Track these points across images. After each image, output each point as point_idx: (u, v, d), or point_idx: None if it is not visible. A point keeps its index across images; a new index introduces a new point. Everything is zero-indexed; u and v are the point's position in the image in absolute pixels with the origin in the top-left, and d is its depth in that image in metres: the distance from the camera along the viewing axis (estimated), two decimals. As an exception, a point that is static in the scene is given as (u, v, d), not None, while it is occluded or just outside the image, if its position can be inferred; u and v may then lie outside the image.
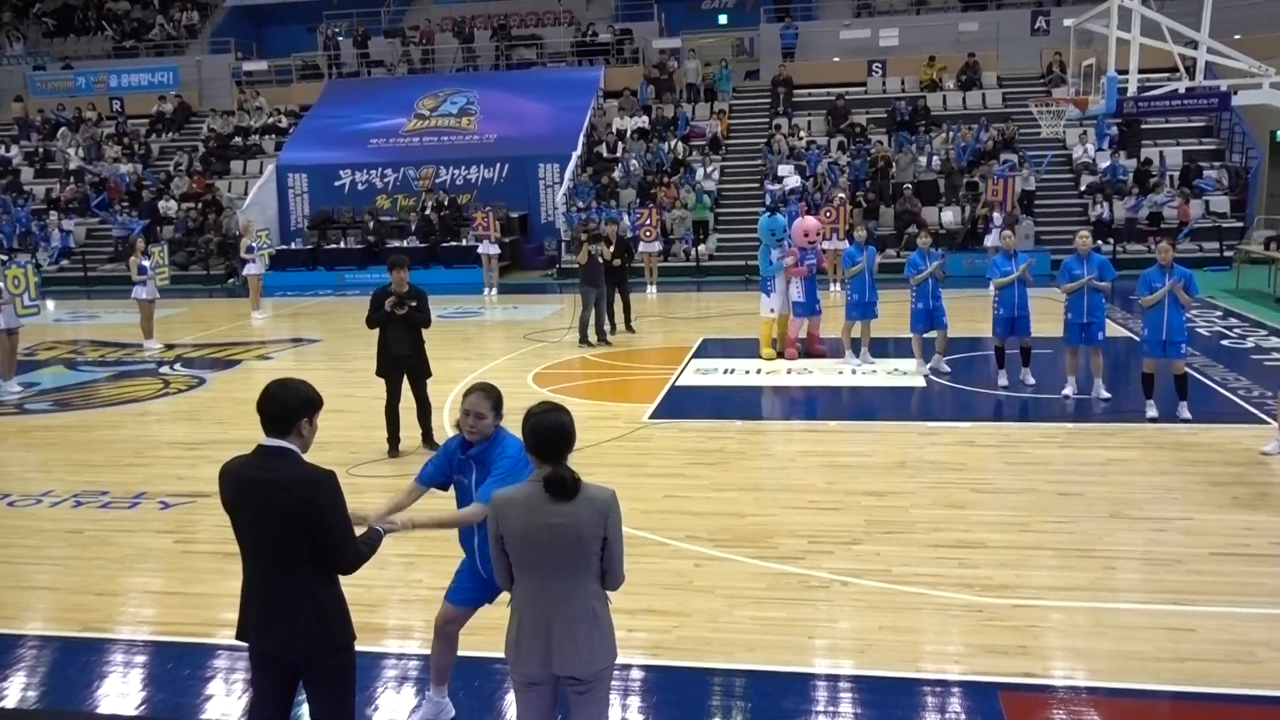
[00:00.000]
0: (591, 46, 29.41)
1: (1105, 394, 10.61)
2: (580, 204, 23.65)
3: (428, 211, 24.44)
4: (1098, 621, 5.96)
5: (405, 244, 23.15)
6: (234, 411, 11.32)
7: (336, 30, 30.95)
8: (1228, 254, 19.91)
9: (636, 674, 5.48)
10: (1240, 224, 21.35)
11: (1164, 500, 7.80)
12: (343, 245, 24.37)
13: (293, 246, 24.63)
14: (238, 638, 3.95)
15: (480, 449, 4.61)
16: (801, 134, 25.19)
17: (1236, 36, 20.03)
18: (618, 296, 15.50)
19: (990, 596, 6.22)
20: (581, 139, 25.65)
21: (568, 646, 3.71)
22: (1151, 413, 9.85)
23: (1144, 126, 23.32)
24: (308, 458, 3.86)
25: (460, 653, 5.78)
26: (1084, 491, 8.05)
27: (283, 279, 22.67)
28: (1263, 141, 23.54)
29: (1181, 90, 12.15)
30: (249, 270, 18.80)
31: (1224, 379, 11.49)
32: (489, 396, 4.62)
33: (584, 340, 14.60)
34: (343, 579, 3.94)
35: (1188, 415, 9.77)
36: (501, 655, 3.90)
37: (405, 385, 9.55)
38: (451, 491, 4.91)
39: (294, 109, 29.24)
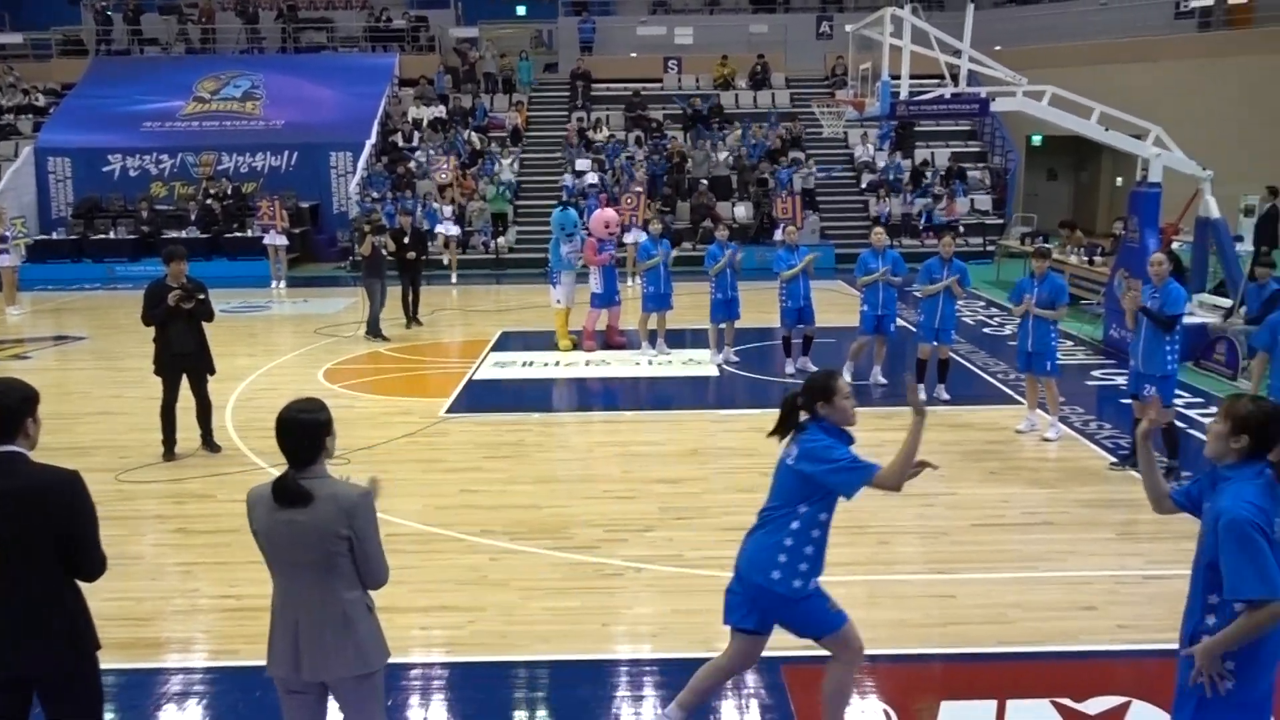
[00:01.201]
0: (385, 32, 28.59)
1: (883, 379, 11.30)
2: (375, 194, 22.97)
3: (209, 200, 23.09)
4: (874, 592, 6.33)
5: (184, 235, 21.78)
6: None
7: (104, 4, 28.71)
8: (990, 248, 21.54)
9: (433, 671, 5.40)
10: (1001, 221, 23.17)
11: (932, 477, 8.30)
12: (113, 235, 22.63)
13: (54, 237, 22.71)
14: None
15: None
16: (602, 127, 25.41)
17: (997, 48, 21.70)
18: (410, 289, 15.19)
19: (775, 575, 6.47)
20: (375, 127, 24.90)
21: (316, 651, 3.59)
22: (921, 395, 10.54)
23: (917, 129, 24.92)
24: (57, 462, 3.57)
25: (242, 662, 5.53)
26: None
27: (43, 272, 20.85)
28: (1020, 145, 25.64)
29: (947, 95, 13.01)
30: (1, 262, 17.19)
31: (984, 364, 12.43)
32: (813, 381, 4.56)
33: (371, 334, 14.19)
34: (110, 592, 3.68)
35: (946, 396, 10.57)
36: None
37: (185, 385, 8.99)
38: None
39: (54, 87, 26.93)
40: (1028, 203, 25.53)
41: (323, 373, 12.36)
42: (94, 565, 3.59)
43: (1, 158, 24.77)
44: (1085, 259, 15.83)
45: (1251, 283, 11.96)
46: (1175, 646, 5.50)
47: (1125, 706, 4.97)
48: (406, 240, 14.99)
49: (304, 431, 3.57)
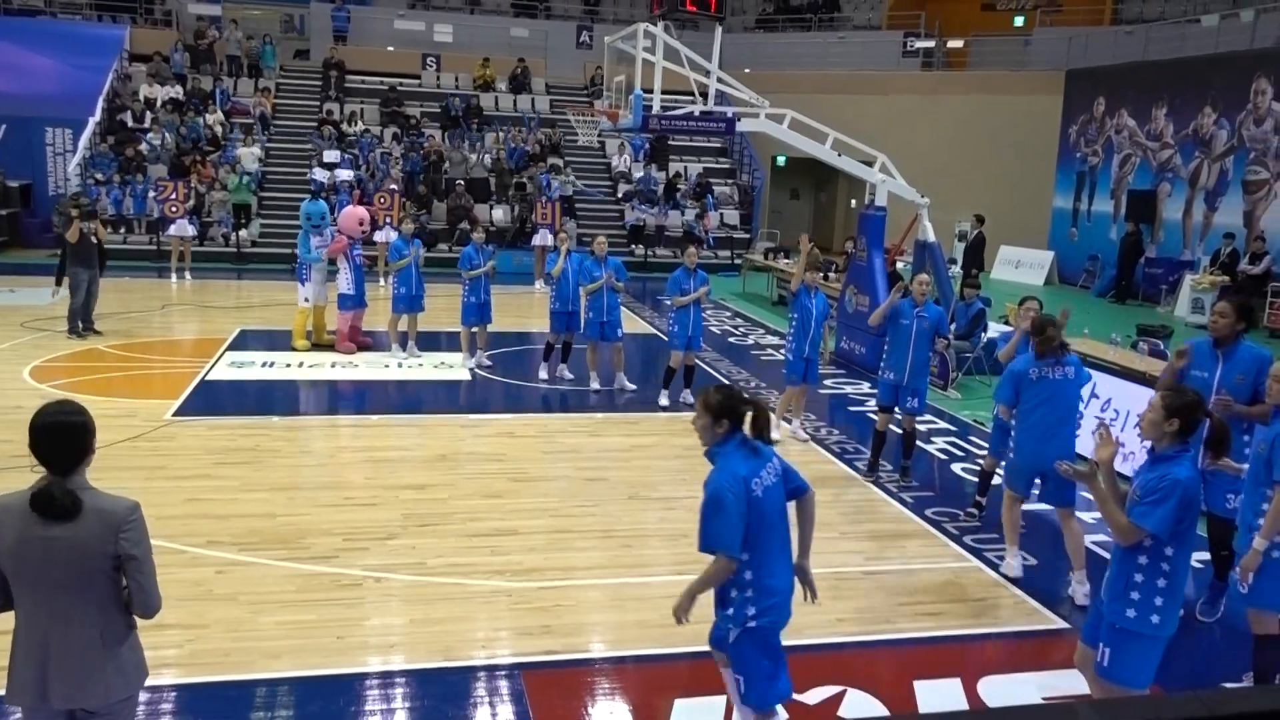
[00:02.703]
0: (114, 3, 26.33)
1: (631, 385, 11.55)
2: (100, 176, 21.09)
3: (-105, 173, 20.40)
4: (617, 595, 6.44)
5: None
6: None
7: None
8: (737, 261, 22.57)
9: (151, 695, 4.98)
10: (748, 235, 24.34)
11: (675, 481, 8.64)
12: None
13: None
14: None
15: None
16: (357, 121, 24.54)
17: (746, 70, 22.84)
18: None
19: (519, 581, 6.48)
20: (101, 104, 22.85)
21: (69, 677, 3.28)
22: (664, 401, 10.95)
23: (671, 143, 25.76)
24: None
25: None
26: (608, 476, 8.69)
27: None
28: (765, 164, 27.06)
29: (696, 113, 13.50)
30: None
31: (729, 371, 12.99)
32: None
33: (74, 330, 13.00)
34: None
35: (692, 399, 10.94)
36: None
37: None
38: None
39: None
40: (772, 219, 26.99)
41: (29, 370, 11.20)
42: None
43: None
44: (820, 275, 16.88)
45: (960, 301, 13.21)
46: (884, 637, 5.97)
47: (841, 695, 5.32)
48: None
49: (70, 436, 3.24)
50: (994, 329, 13.10)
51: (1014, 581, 6.84)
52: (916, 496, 8.52)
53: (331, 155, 22.75)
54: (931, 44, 27.58)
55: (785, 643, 5.85)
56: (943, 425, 10.91)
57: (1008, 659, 5.94)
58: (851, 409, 11.44)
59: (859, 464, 9.32)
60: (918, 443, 9.56)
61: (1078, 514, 6.81)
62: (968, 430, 10.73)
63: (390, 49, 27.24)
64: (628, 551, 7.13)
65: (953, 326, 12.60)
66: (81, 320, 13.03)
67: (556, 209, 20.72)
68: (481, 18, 28.92)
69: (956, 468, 9.46)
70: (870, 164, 13.66)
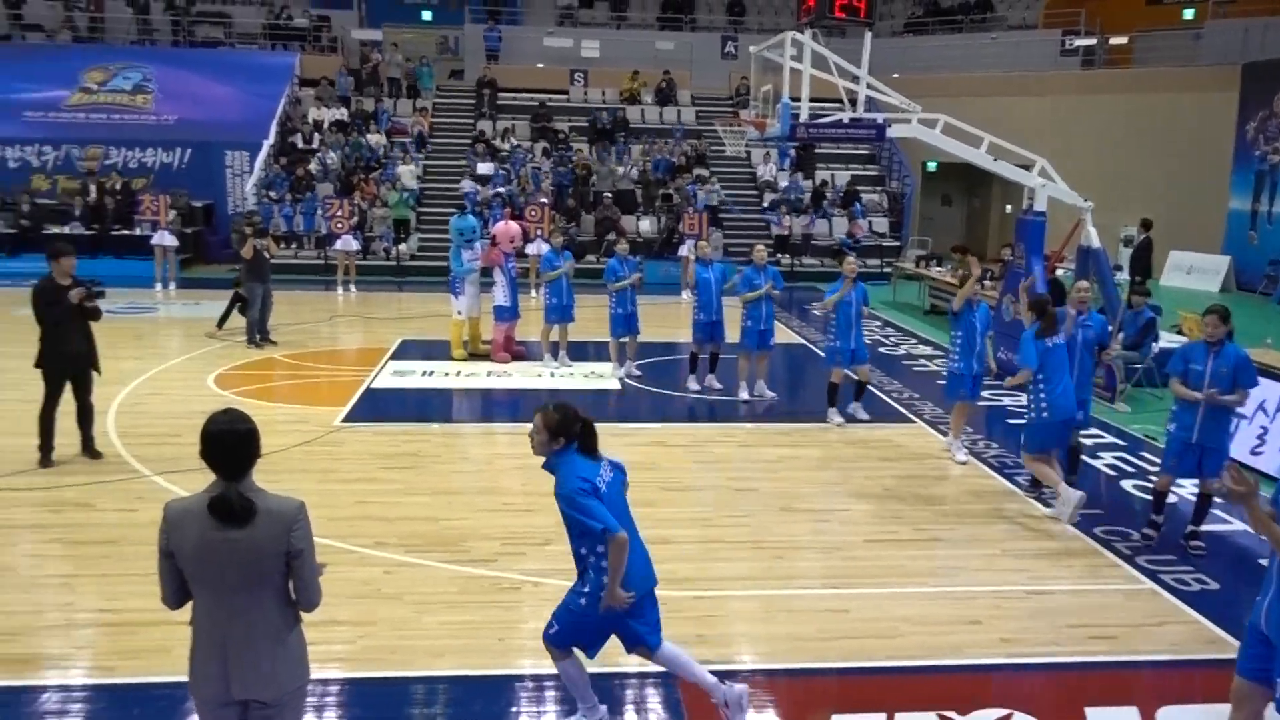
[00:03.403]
0: (285, 30, 27.92)
1: (770, 393, 11.52)
2: (273, 195, 22.40)
3: (91, 196, 22.13)
4: (769, 607, 6.41)
5: (68, 230, 20.85)
6: None
7: (-16, -15, 27.33)
8: (886, 270, 22.13)
9: (321, 688, 5.25)
10: (897, 243, 23.84)
11: (827, 493, 8.54)
12: (-12, 229, 21.55)
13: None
14: None
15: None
16: (509, 137, 25.27)
17: (895, 75, 22.38)
18: None
19: (674, 589, 6.51)
20: (274, 127, 24.28)
21: (247, 669, 3.47)
22: (837, 420, 10.66)
23: (818, 150, 25.49)
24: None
25: (119, 680, 5.31)
26: (759, 487, 8.65)
27: (-89, 265, 19.74)
28: (916, 171, 26.46)
29: (845, 120, 13.31)
30: None
31: (880, 383, 12.74)
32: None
33: (252, 340, 13.80)
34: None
35: (864, 415, 10.81)
36: (176, 679, 3.60)
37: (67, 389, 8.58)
38: None
39: (-73, 71, 25.50)
40: (923, 226, 26.35)
41: (213, 378, 11.96)
42: None
43: None
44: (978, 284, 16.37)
45: (1128, 310, 12.58)
46: (1053, 660, 5.76)
47: (1006, 718, 5.14)
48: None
49: (240, 444, 3.44)
50: (1166, 339, 12.44)
51: (1188, 602, 6.47)
52: (1083, 513, 8.15)
53: (485, 167, 23.48)
54: (1092, 41, 26.41)
55: (949, 662, 5.73)
56: (1110, 440, 10.42)
57: (1188, 688, 5.61)
58: (1010, 421, 11.05)
59: (1019, 479, 8.99)
60: (1083, 457, 9.16)
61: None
62: (1138, 446, 10.20)
63: (540, 66, 27.94)
64: (779, 563, 7.09)
65: (1120, 336, 12.02)
66: (259, 331, 13.85)
67: (703, 219, 20.80)
68: (627, 32, 29.34)
69: (1126, 484, 9.01)
70: (1028, 168, 13.18)
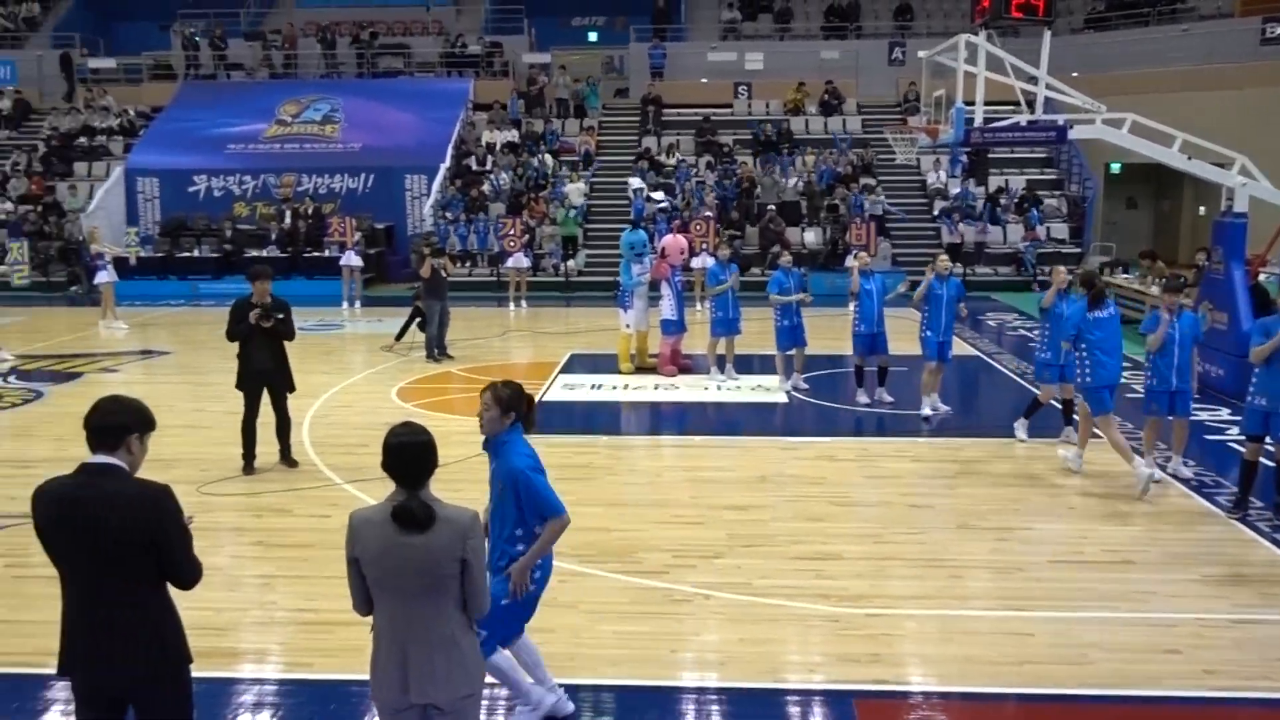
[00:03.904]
0: (460, 58, 29.14)
1: (944, 407, 11.17)
2: (449, 216, 23.38)
3: (286, 221, 23.68)
4: (945, 628, 6.21)
5: (265, 254, 22.38)
6: (72, 427, 10.61)
7: (193, 30, 29.74)
8: (1043, 279, 21.08)
9: (501, 692, 5.42)
10: (1078, 250, 22.72)
11: (1007, 511, 8.21)
12: (197, 254, 23.37)
13: (143, 253, 23.47)
14: (60, 672, 3.69)
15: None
16: (674, 152, 25.53)
17: (1074, 74, 21.38)
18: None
19: (846, 607, 6.42)
20: (450, 151, 25.37)
21: (425, 674, 3.60)
22: (1021, 435, 10.18)
23: (991, 155, 24.59)
24: (142, 474, 3.68)
25: (318, 675, 5.64)
26: (934, 504, 8.40)
27: (132, 288, 21.50)
28: (1098, 173, 25.17)
29: (1023, 123, 12.82)
30: (101, 279, 17.79)
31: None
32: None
33: (431, 355, 14.40)
34: (189, 601, 3.77)
35: (1073, 440, 9.87)
36: (362, 677, 3.79)
37: (265, 400, 9.23)
38: None
39: (145, 110, 27.94)
40: (1106, 232, 25.01)
41: (395, 391, 12.57)
42: (185, 576, 3.67)
43: (94, 178, 25.76)
44: (1181, 294, 15.42)
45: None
46: (1268, 695, 5.35)
47: (1212, 755, 4.81)
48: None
49: (419, 455, 3.60)
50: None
51: None
52: (1295, 538, 7.55)
53: (654, 193, 23.79)
54: (1298, 28, 24.46)
55: (1145, 693, 5.40)
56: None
57: None
58: (1208, 438, 10.34)
59: (1220, 499, 8.40)
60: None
61: None
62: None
63: (704, 81, 28.11)
64: (957, 583, 6.86)
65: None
66: (437, 346, 14.47)
67: (871, 229, 20.43)
68: (791, 43, 29.16)
69: (1346, 507, 8.28)
70: (1227, 166, 12.34)
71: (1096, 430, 9.04)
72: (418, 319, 14.94)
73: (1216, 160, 12.65)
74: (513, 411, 4.66)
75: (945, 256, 11.25)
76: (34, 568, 7.06)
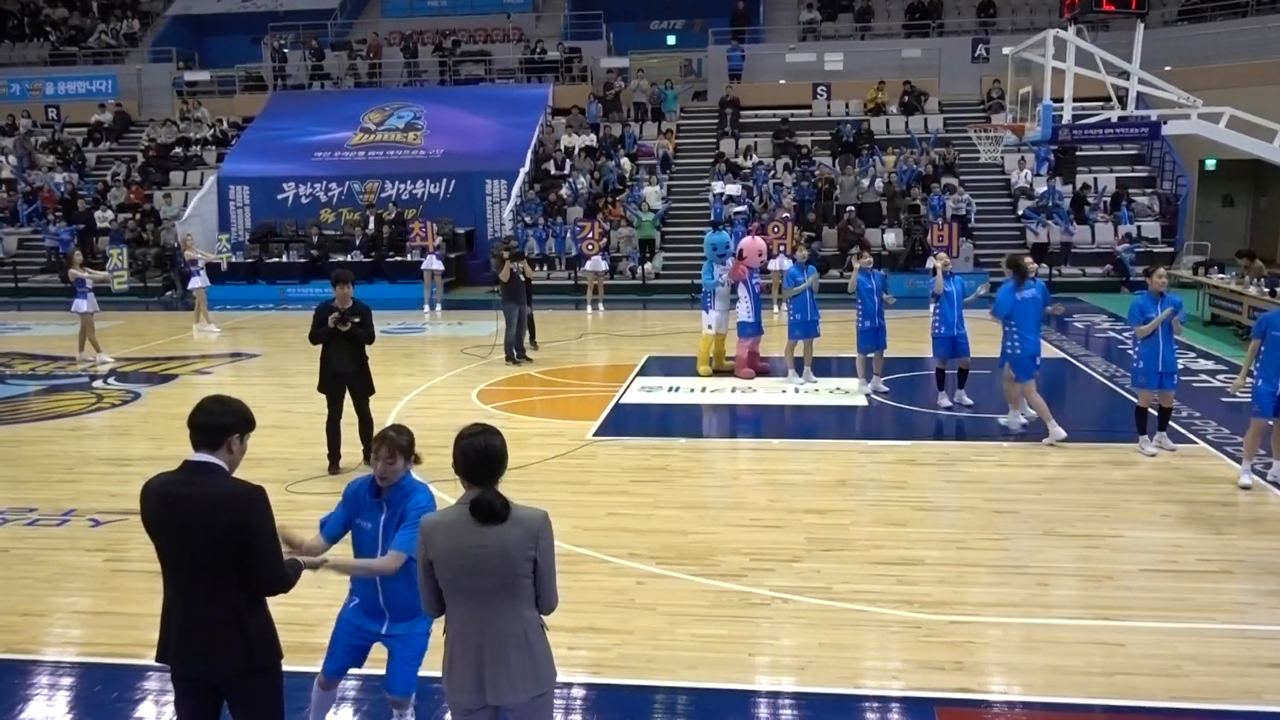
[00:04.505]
0: (540, 64, 29.46)
1: (1031, 412, 10.71)
2: (528, 220, 23.63)
3: (370, 227, 24.22)
4: (1031, 637, 6.06)
5: (349, 258, 22.92)
6: (168, 427, 11.09)
7: (282, 42, 30.62)
8: (1119, 279, 20.45)
9: (578, 692, 5.46)
10: (1171, 249, 21.99)
11: (1096, 518, 7.98)
12: (285, 259, 24.04)
13: (234, 259, 24.24)
14: (158, 659, 3.85)
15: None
16: (751, 154, 25.43)
17: (1167, 68, 20.72)
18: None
19: (928, 613, 6.30)
20: (529, 155, 25.65)
21: (500, 674, 3.62)
22: (1150, 449, 9.65)
23: (1079, 153, 23.96)
24: (239, 475, 3.79)
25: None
26: (1019, 509, 8.21)
27: (223, 292, 22.25)
28: (1192, 170, 24.32)
29: (1114, 119, 12.50)
30: (195, 284, 18.43)
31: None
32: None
33: (510, 358, 14.55)
34: (280, 598, 3.87)
35: (1172, 446, 9.74)
36: (436, 675, 3.85)
37: (348, 402, 9.44)
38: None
39: (236, 120, 28.85)
40: (1200, 230, 24.14)
41: (476, 393, 12.74)
42: (269, 580, 3.75)
43: (189, 186, 26.69)
44: (1266, 290, 14.85)
45: None
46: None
47: (1316, 774, 4.60)
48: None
49: (489, 455, 3.64)
50: None
51: None
52: (1406, 550, 7.19)
53: (719, 185, 23.75)
54: None
55: (1244, 708, 5.19)
56: None
57: None
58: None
59: (1326, 508, 8.05)
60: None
61: None
62: None
63: (782, 82, 27.95)
64: (1043, 591, 6.68)
65: None
66: (516, 349, 14.64)
67: (953, 230, 20.07)
68: (872, 42, 28.80)
69: None
70: (1332, 161, 11.83)
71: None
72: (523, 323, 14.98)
73: (1320, 155, 12.15)
74: (412, 455, 4.72)
75: (1030, 260, 10.79)
76: (132, 562, 7.35)
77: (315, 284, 21.85)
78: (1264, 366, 8.47)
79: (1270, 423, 8.63)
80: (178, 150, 28.09)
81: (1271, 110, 12.67)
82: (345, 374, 9.32)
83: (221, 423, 3.73)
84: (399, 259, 23.26)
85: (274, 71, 30.24)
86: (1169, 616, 6.24)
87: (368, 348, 9.46)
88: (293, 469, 9.44)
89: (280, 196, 25.60)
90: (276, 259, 24.09)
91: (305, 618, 6.31)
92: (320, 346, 9.34)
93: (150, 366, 15.04)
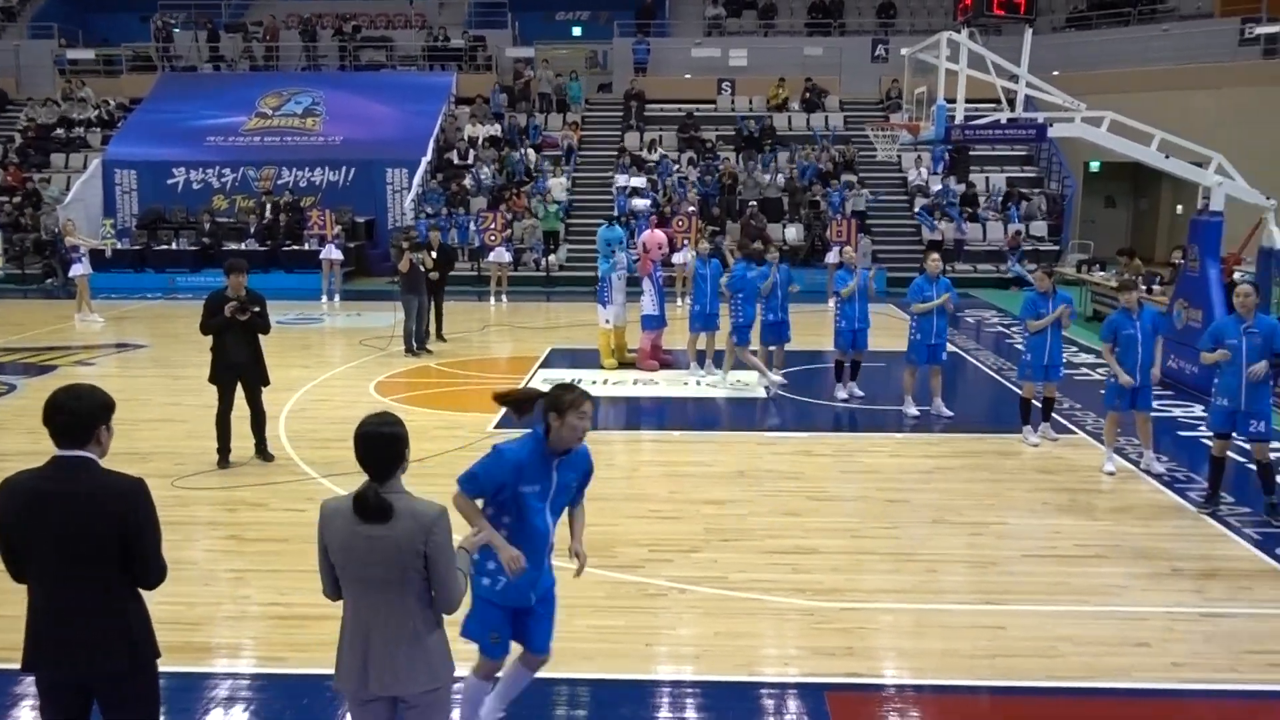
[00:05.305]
0: (443, 51, 29.03)
1: (947, 411, 11.02)
2: (429, 210, 23.29)
3: (266, 214, 23.55)
4: (920, 622, 6.24)
5: (244, 247, 22.23)
6: (48, 420, 10.60)
7: (171, 21, 29.51)
8: (1007, 274, 21.27)
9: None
10: (1057, 248, 22.86)
11: (981, 506, 8.26)
12: (174, 246, 23.20)
13: (120, 246, 23.28)
14: (24, 669, 3.66)
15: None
16: (656, 148, 25.52)
17: (1055, 73, 21.49)
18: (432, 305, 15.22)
19: (821, 600, 6.44)
20: (432, 145, 25.27)
21: (385, 666, 3.59)
22: (1033, 439, 10.03)
23: (972, 153, 24.69)
24: (116, 467, 3.65)
25: (290, 670, 5.61)
26: (910, 498, 8.44)
27: (107, 281, 21.32)
28: (1077, 172, 25.32)
29: (1003, 121, 12.88)
30: (76, 271, 17.63)
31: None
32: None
33: (410, 350, 14.35)
34: (161, 596, 3.75)
35: (1055, 436, 10.15)
36: (333, 672, 3.78)
37: (240, 395, 9.17)
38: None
39: (123, 101, 27.71)
40: (1084, 230, 25.17)
41: (374, 385, 12.52)
42: (152, 573, 3.64)
43: (71, 169, 25.54)
44: (1144, 288, 15.55)
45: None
46: (1234, 687, 5.41)
47: (1179, 747, 4.86)
48: (434, 256, 15.03)
49: (385, 445, 3.57)
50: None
51: None
52: (1264, 533, 7.62)
53: (623, 178, 23.78)
54: (1275, 29, 24.67)
55: (1115, 685, 5.44)
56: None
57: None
58: (1182, 434, 10.44)
59: (1191, 494, 8.48)
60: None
61: None
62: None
63: (687, 76, 28.13)
64: (932, 577, 6.89)
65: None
66: (416, 340, 14.42)
67: (852, 226, 20.49)
68: (775, 39, 29.19)
69: (1314, 503, 8.35)
70: (1204, 165, 12.43)
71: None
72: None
73: (1193, 159, 12.74)
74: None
75: (936, 256, 11.13)
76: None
77: (207, 273, 21.19)
78: (1120, 362, 8.93)
79: (1127, 414, 9.09)
80: (59, 131, 26.85)
81: (1150, 115, 13.23)
82: (240, 365, 9.05)
83: (90, 414, 3.58)
84: (296, 248, 22.68)
85: (160, 52, 29.12)
86: (1048, 600, 6.51)
87: (262, 338, 9.21)
88: (179, 463, 9.14)
89: (170, 181, 24.70)
90: (166, 246, 23.23)
91: (190, 616, 6.14)
92: (212, 337, 9.04)
93: (28, 357, 14.36)
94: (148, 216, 24.16)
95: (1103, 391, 9.54)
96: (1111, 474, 9.03)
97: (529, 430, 4.46)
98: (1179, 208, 25.56)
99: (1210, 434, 8.34)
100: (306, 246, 22.28)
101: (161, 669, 3.84)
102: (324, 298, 20.18)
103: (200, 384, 9.50)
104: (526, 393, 4.66)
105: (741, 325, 12.12)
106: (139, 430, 10.18)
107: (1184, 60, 24.75)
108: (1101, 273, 17.98)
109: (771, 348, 12.47)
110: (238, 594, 6.60)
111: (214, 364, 9.10)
